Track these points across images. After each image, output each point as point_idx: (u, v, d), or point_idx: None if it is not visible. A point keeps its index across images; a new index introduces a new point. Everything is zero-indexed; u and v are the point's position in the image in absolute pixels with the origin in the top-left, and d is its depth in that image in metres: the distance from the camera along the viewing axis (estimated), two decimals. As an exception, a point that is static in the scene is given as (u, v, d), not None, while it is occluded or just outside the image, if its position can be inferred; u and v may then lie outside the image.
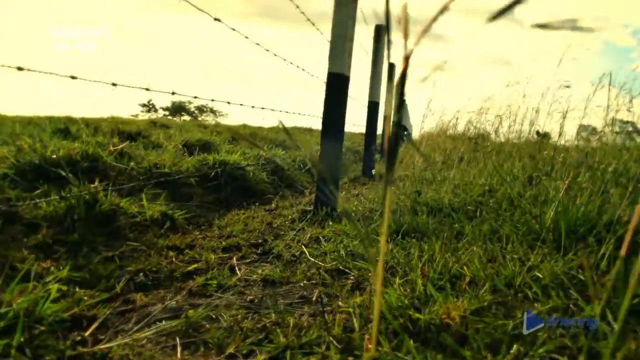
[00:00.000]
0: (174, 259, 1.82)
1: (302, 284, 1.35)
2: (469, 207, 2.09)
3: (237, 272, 1.53)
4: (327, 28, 2.46)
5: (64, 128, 4.90)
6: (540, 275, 1.17)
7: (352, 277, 1.36)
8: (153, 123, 11.67)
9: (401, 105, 0.50)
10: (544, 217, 1.57)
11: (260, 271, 1.48)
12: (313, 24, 3.38)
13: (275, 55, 3.15)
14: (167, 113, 46.50)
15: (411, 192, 2.44)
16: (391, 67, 6.70)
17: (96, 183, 2.47)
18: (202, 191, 3.24)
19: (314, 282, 1.36)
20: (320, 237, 1.85)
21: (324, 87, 2.35)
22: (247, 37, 2.71)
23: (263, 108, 3.40)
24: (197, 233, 2.19)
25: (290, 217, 2.25)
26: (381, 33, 4.08)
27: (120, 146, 3.39)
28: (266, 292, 1.34)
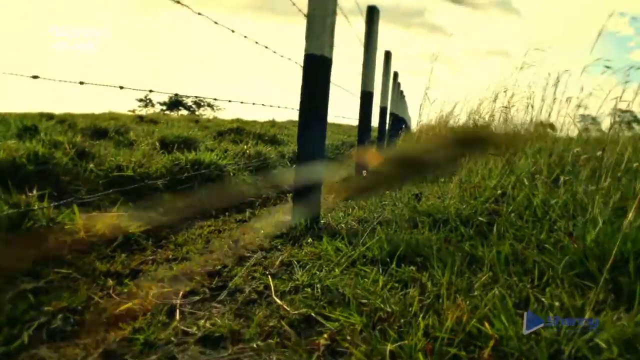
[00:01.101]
0: (110, 292, 1.44)
1: (256, 345, 0.96)
2: (480, 218, 1.70)
3: (176, 317, 1.14)
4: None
5: (31, 126, 4.49)
6: (603, 344, 0.78)
7: (326, 334, 0.97)
8: (140, 118, 11.23)
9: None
10: (586, 239, 1.17)
11: (203, 321, 1.09)
12: (300, 10, 3.02)
13: (257, 43, 2.77)
14: (164, 108, 46.34)
15: (410, 198, 2.04)
16: (387, 54, 6.27)
17: (34, 192, 2.08)
18: (172, 196, 2.84)
19: (272, 340, 0.96)
20: (294, 262, 1.45)
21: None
22: (216, 22, 2.31)
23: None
24: (149, 253, 1.80)
25: (263, 231, 1.85)
26: (374, 14, 3.66)
27: (80, 145, 2.99)
28: (205, 357, 0.95)
